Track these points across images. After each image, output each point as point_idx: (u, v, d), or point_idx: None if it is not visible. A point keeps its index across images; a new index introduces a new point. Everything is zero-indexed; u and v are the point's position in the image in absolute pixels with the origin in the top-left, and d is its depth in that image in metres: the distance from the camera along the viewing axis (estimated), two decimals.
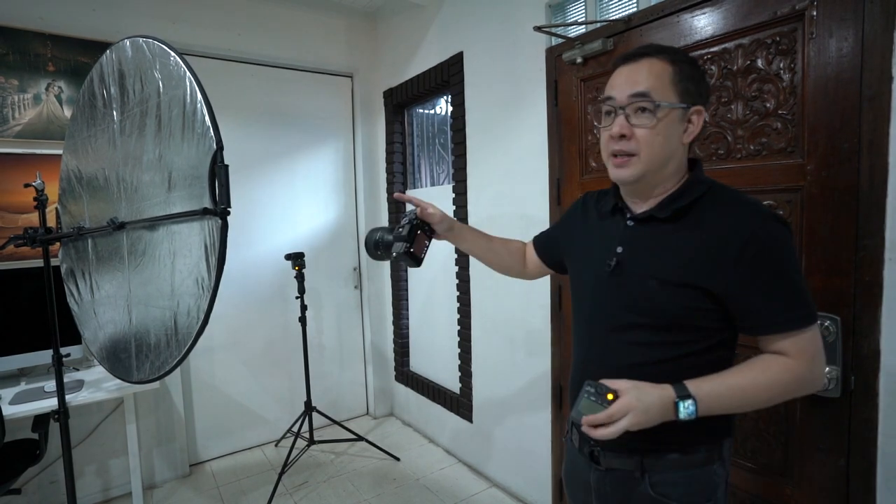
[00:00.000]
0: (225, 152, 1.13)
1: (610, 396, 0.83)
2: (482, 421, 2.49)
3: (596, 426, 0.81)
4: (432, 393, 2.86)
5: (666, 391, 0.82)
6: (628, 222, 0.95)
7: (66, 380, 1.83)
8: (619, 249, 0.93)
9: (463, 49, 2.40)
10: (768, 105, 1.31)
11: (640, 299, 0.90)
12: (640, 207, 0.94)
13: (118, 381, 2.02)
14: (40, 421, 1.87)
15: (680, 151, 0.89)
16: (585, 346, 1.01)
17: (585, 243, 1.04)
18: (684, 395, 0.81)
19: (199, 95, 1.15)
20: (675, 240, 0.88)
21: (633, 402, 0.80)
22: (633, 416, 0.80)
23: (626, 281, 0.92)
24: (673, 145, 0.87)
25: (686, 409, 0.81)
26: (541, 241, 1.25)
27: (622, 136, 0.87)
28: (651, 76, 0.86)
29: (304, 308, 2.66)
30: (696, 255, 0.85)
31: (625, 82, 0.88)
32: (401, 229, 1.12)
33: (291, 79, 2.93)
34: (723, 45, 1.39)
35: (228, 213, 1.13)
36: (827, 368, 1.21)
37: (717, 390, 0.82)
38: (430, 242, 1.15)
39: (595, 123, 0.97)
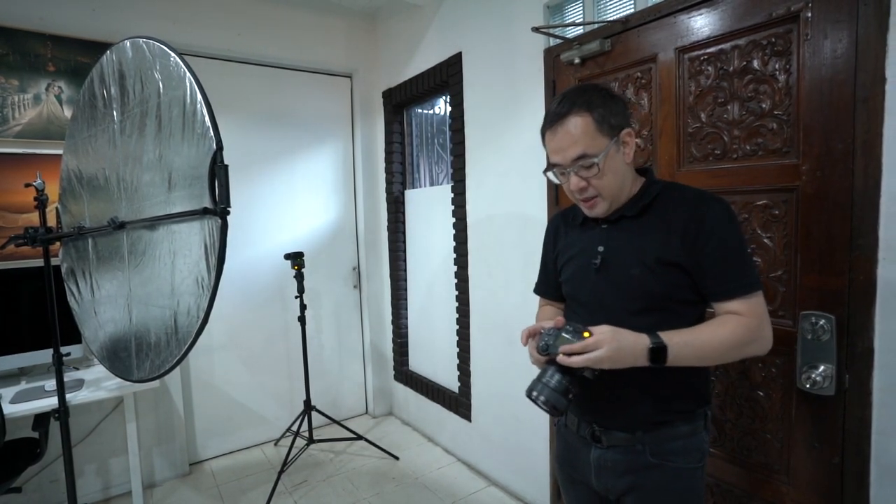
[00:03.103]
0: (224, 152, 1.14)
1: (586, 334, 0.92)
2: (481, 420, 2.50)
3: (570, 355, 0.91)
4: (431, 392, 2.87)
5: (641, 338, 0.92)
6: (602, 225, 1.08)
7: (66, 379, 1.84)
8: (601, 249, 1.06)
9: (462, 49, 2.41)
10: (764, 106, 1.32)
11: (627, 286, 1.02)
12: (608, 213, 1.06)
13: (118, 380, 2.03)
14: (40, 420, 1.87)
15: (628, 171, 1.04)
16: None
17: (571, 251, 1.14)
18: (657, 342, 0.92)
19: (199, 96, 1.15)
20: (646, 230, 1.02)
21: (609, 338, 0.90)
22: (607, 349, 0.89)
23: (613, 274, 1.04)
24: (622, 172, 1.02)
25: (656, 354, 0.91)
26: (546, 289, 1.27)
27: (582, 189, 1.01)
28: (579, 136, 0.97)
29: (303, 307, 2.67)
30: (664, 237, 0.99)
31: (560, 148, 1.00)
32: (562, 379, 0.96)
33: (291, 79, 2.94)
34: (719, 46, 1.40)
35: (228, 212, 1.13)
36: (822, 367, 1.22)
37: (685, 339, 0.93)
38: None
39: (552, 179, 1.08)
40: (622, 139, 1.00)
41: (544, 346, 0.97)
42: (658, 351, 0.91)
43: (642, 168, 1.10)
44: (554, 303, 1.27)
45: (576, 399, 0.96)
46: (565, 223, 1.20)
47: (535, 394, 0.95)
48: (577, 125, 0.98)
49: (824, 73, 1.20)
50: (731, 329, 0.94)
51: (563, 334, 0.95)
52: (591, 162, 0.97)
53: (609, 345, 0.89)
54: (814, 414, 1.27)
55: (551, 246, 1.23)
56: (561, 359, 0.92)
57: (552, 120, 1.01)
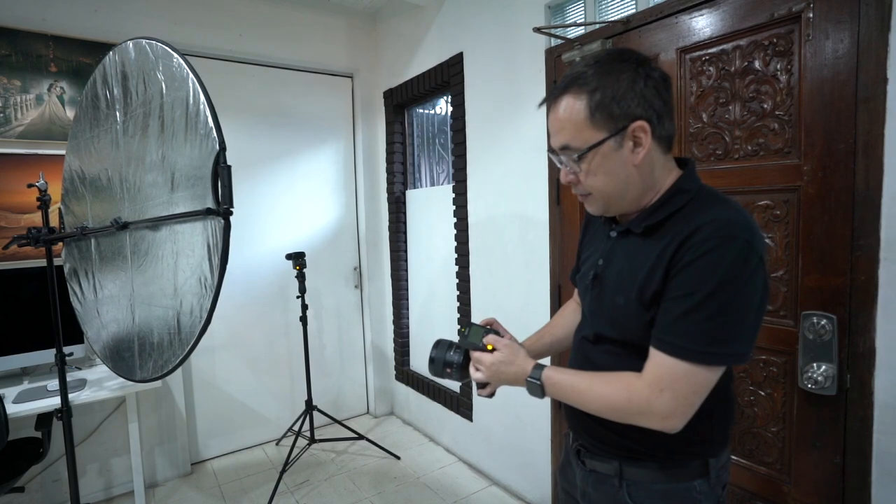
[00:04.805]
0: (227, 153, 1.14)
1: (490, 347, 0.97)
2: (482, 420, 2.50)
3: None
4: (432, 392, 2.87)
5: (524, 369, 0.92)
6: (612, 234, 0.91)
7: (68, 379, 1.84)
8: (600, 262, 0.92)
9: (463, 50, 2.41)
10: (765, 106, 1.32)
11: (610, 313, 0.88)
12: (624, 218, 0.90)
13: (120, 380, 2.04)
14: (43, 419, 1.88)
15: (635, 174, 0.81)
16: (573, 351, 1.03)
17: (586, 252, 1.03)
18: (536, 377, 0.89)
19: (202, 97, 1.16)
20: (644, 254, 0.82)
21: (486, 367, 0.96)
22: (487, 375, 0.97)
23: (603, 295, 0.90)
24: (621, 175, 0.81)
25: (531, 388, 0.91)
26: (574, 278, 1.15)
27: (570, 182, 0.87)
28: (567, 123, 0.80)
29: (304, 307, 2.67)
30: (654, 266, 0.79)
31: (551, 131, 0.85)
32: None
33: (292, 79, 2.94)
34: (721, 47, 1.40)
35: (231, 213, 1.14)
36: (823, 366, 1.22)
37: (560, 382, 0.88)
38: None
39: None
40: (630, 134, 0.78)
41: (463, 330, 1.03)
42: (533, 386, 0.89)
43: (682, 160, 0.87)
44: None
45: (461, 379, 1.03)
46: (595, 217, 1.02)
47: (434, 349, 1.05)
48: (567, 108, 0.80)
49: (826, 74, 1.20)
50: (612, 390, 0.80)
51: (483, 329, 1.01)
52: (573, 153, 0.81)
53: (488, 374, 0.96)
54: (815, 414, 1.27)
55: (581, 237, 1.10)
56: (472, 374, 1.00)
57: (549, 94, 0.84)
